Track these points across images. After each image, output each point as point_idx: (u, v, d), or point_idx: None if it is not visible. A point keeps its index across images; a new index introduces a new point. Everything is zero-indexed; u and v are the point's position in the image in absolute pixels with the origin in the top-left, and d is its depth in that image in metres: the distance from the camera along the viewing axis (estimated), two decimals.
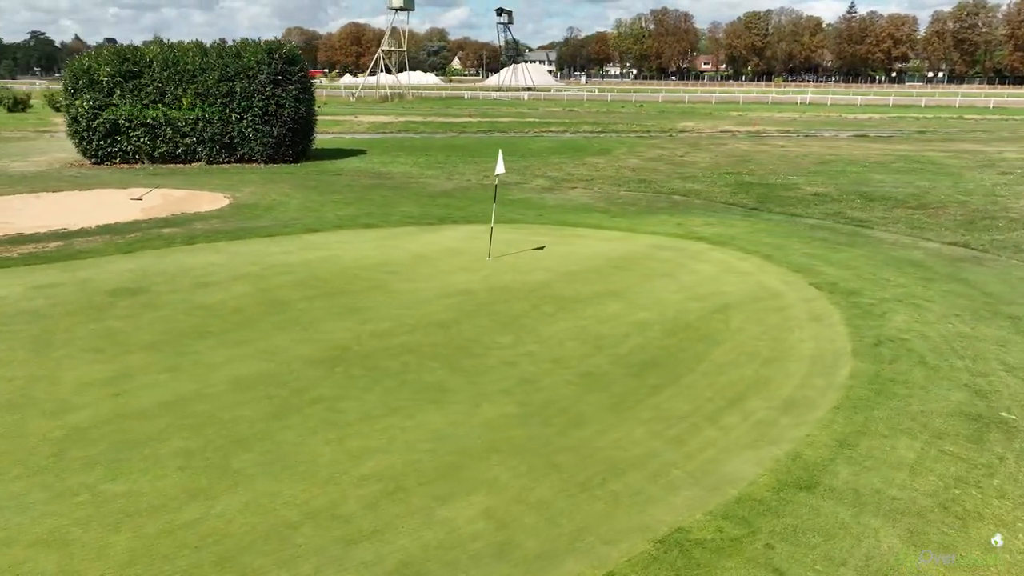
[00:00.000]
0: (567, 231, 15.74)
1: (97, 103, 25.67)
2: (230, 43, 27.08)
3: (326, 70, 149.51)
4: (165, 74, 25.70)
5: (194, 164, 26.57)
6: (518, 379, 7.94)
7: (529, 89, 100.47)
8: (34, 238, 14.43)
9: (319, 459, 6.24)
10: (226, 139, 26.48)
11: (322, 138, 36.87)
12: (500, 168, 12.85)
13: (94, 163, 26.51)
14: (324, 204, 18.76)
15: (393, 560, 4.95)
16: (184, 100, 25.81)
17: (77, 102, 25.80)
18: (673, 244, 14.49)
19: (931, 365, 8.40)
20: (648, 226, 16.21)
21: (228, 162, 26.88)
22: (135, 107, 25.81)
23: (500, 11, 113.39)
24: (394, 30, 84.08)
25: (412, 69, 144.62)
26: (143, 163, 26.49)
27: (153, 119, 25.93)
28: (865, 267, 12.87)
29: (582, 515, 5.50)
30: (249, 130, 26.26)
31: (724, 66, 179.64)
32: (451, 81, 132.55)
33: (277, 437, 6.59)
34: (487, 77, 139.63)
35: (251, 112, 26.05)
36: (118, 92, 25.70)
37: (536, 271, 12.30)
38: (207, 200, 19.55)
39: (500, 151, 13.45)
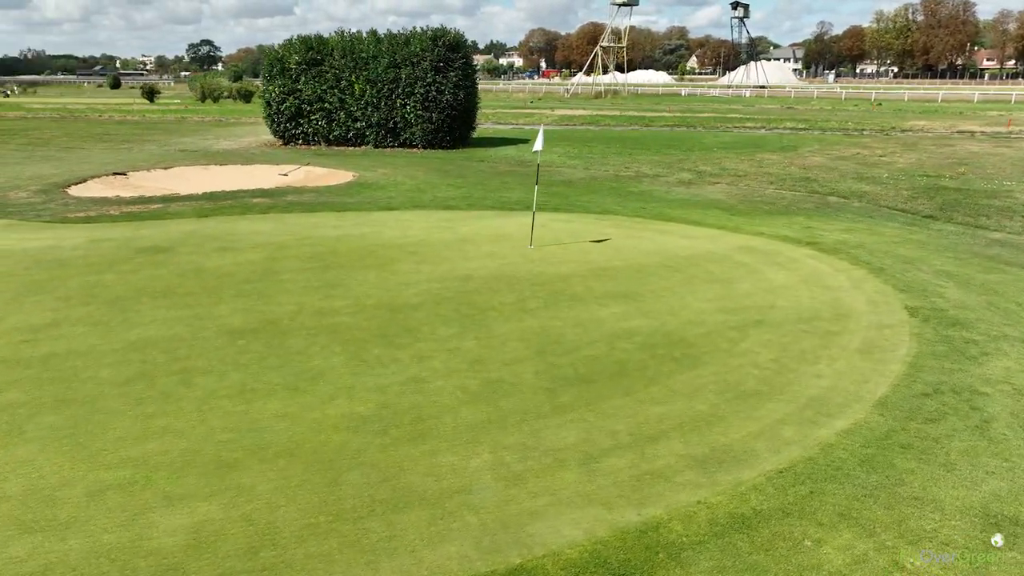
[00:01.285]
0: (652, 225, 13.82)
1: (286, 88, 28.00)
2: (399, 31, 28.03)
3: (562, 69, 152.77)
4: (343, 61, 27.27)
5: (362, 147, 27.98)
6: (410, 377, 6.77)
7: (761, 87, 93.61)
8: (150, 200, 15.86)
9: (108, 432, 5.68)
10: (391, 124, 27.51)
11: (497, 128, 37.26)
12: (538, 145, 11.49)
13: (282, 144, 29.00)
14: (438, 186, 18.52)
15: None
16: (356, 86, 27.22)
17: (271, 88, 28.37)
18: (768, 247, 12.03)
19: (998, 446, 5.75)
20: (762, 226, 13.71)
21: (392, 146, 27.93)
22: (315, 92, 27.72)
23: (736, 4, 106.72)
24: (616, 27, 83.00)
25: (644, 67, 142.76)
26: (320, 144, 28.44)
27: (330, 104, 27.68)
28: (1009, 293, 9.58)
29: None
30: (411, 115, 27.00)
31: (1013, 62, 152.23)
32: (682, 79, 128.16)
33: (98, 404, 6.16)
34: (723, 75, 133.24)
35: (413, 98, 26.76)
36: (303, 78, 27.78)
37: (566, 264, 10.80)
38: (338, 177, 20.30)
39: (541, 128, 12.06)
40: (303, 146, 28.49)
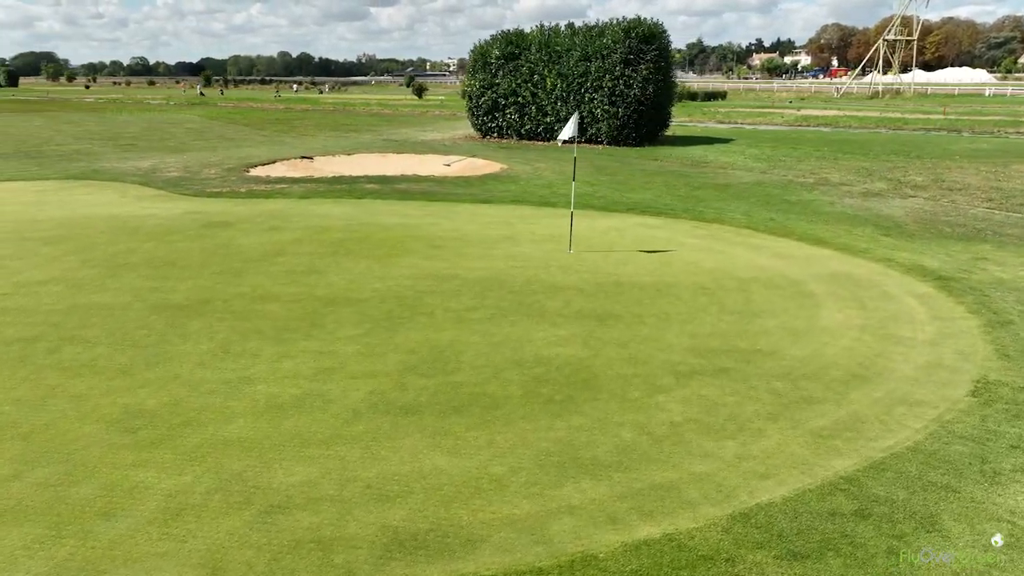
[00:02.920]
0: (754, 239, 11.52)
1: (485, 83, 28.68)
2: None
3: (853, 67, 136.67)
4: (538, 55, 27.14)
5: (550, 142, 27.65)
6: (240, 377, 6.24)
7: None
8: (294, 180, 17.12)
9: None
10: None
11: (712, 127, 34.52)
12: (565, 133, 10.08)
13: (480, 137, 29.82)
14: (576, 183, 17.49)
15: None
16: (548, 80, 26.93)
17: (472, 82, 29.29)
18: (870, 277, 9.34)
19: None
20: (908, 251, 10.76)
21: (578, 142, 27.15)
22: (511, 86, 27.99)
23: None
24: (905, 18, 72.13)
25: (959, 64, 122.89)
26: (512, 138, 28.70)
27: (523, 98, 27.77)
28: None
29: None
30: (598, 110, 26.03)
31: None
32: (1005, 78, 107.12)
33: None
34: None
35: (600, 92, 25.75)
36: (501, 73, 28.21)
37: (579, 273, 9.38)
38: (488, 169, 20.27)
39: (576, 114, 10.55)
40: (496, 139, 28.96)
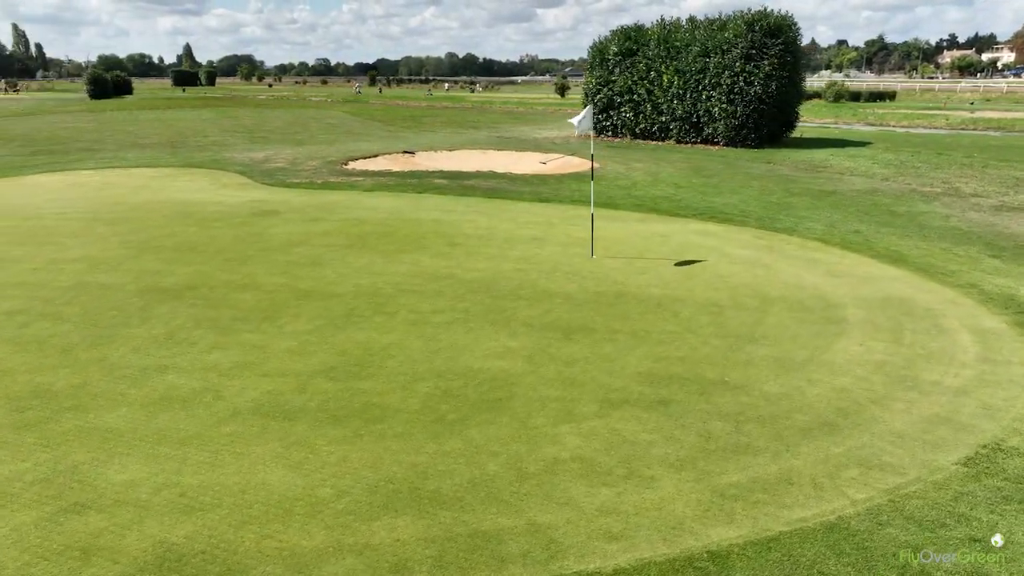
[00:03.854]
0: (804, 251, 10.11)
1: (602, 79, 27.85)
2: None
3: None
4: (656, 51, 25.92)
5: (665, 142, 26.37)
6: (233, 367, 6.20)
7: None
8: (378, 174, 17.41)
9: None
10: (694, 118, 25.31)
11: (855, 130, 31.39)
12: (579, 125, 9.24)
13: (595, 135, 29.00)
14: (662, 184, 16.47)
15: None
16: (664, 77, 25.66)
17: (589, 79, 28.56)
18: (937, 306, 7.81)
19: None
20: (1000, 278, 9.00)
21: (693, 142, 25.70)
22: (626, 83, 26.98)
23: None
24: None
25: None
26: (626, 137, 27.69)
27: (639, 95, 26.67)
28: None
29: None
30: (715, 109, 24.44)
31: None
32: None
33: None
34: None
35: (718, 90, 24.15)
36: (618, 69, 27.26)
37: (592, 280, 8.60)
38: (579, 168, 19.58)
39: (590, 106, 9.62)
40: (610, 138, 28.05)
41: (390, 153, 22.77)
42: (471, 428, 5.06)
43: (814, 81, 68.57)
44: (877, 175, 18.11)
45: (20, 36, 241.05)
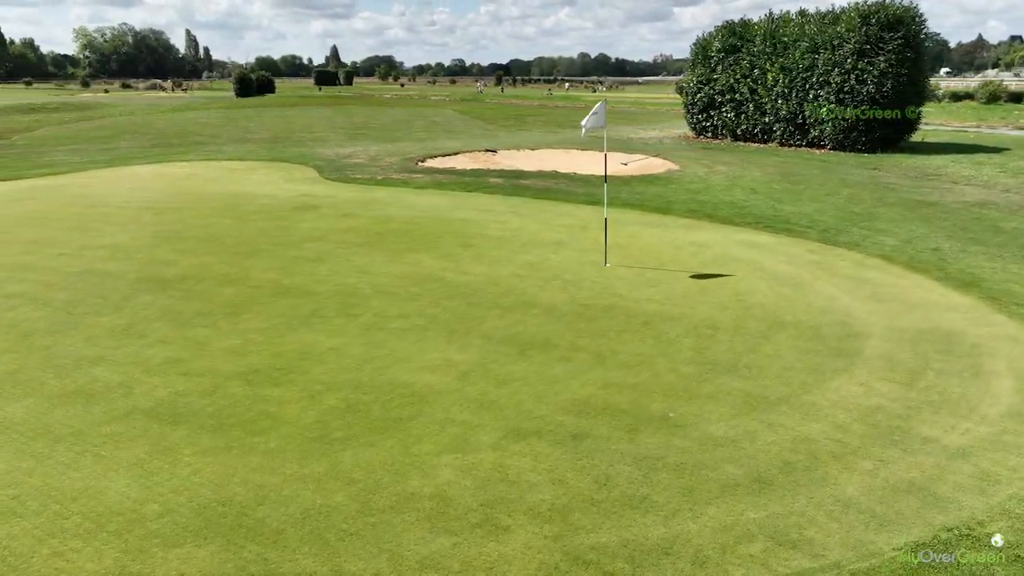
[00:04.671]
0: (859, 269, 8.84)
1: (703, 77, 26.44)
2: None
3: None
4: (762, 47, 24.23)
5: (767, 144, 24.63)
6: (161, 363, 6.19)
7: None
8: (449, 172, 17.29)
9: None
10: (799, 119, 23.43)
11: (993, 133, 27.95)
12: (589, 122, 8.43)
13: (694, 136, 27.64)
14: (738, 190, 15.28)
15: None
16: (769, 75, 23.94)
17: (691, 76, 27.20)
18: (996, 338, 6.55)
19: None
20: None
21: (798, 145, 23.80)
22: (728, 81, 25.44)
23: None
24: None
25: None
26: (726, 138, 26.14)
27: (741, 94, 25.08)
28: None
29: None
30: (823, 109, 22.49)
31: None
32: None
33: None
34: None
35: (826, 89, 22.20)
36: (720, 67, 25.77)
37: (589, 291, 7.91)
38: (657, 169, 18.60)
39: (603, 100, 8.72)
40: (709, 139, 26.56)
41: (472, 151, 22.62)
42: (348, 450, 4.60)
43: (971, 81, 62.23)
44: (998, 185, 15.90)
45: (191, 40, 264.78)
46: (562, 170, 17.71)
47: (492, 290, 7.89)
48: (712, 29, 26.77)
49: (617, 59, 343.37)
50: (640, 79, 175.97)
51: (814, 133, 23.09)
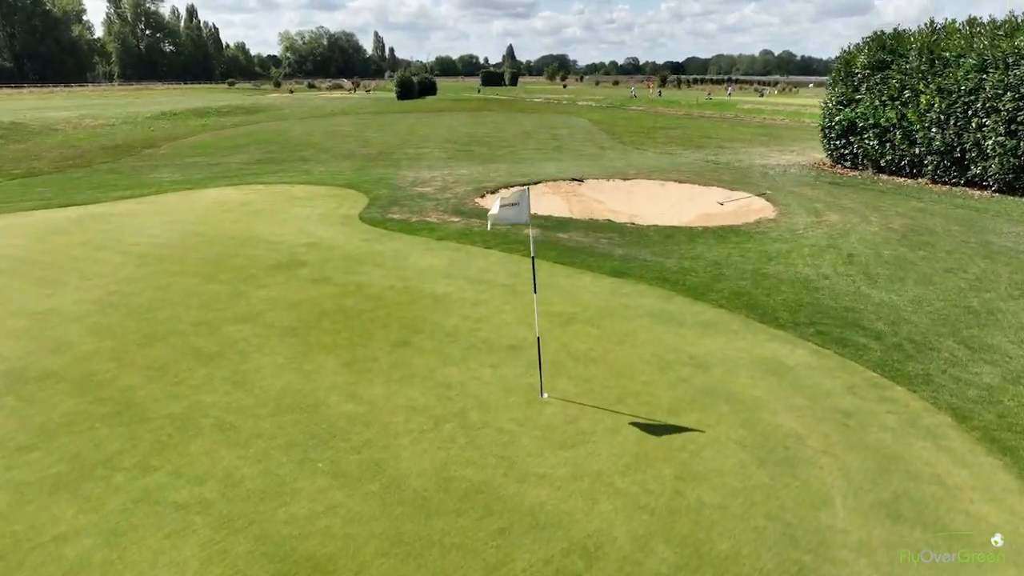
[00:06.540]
0: (907, 437, 6.04)
1: (844, 97, 22.67)
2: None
3: None
4: (916, 63, 20.14)
5: (917, 180, 20.52)
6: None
7: None
8: (472, 213, 15.61)
9: None
10: (957, 152, 19.19)
11: None
12: (500, 211, 6.23)
13: (831, 165, 23.87)
14: (828, 253, 12.27)
15: None
16: (922, 97, 19.83)
17: (830, 96, 23.46)
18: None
19: None
20: None
21: (954, 184, 19.56)
22: (872, 104, 21.51)
23: None
24: None
25: None
26: (867, 170, 22.21)
27: (886, 120, 21.09)
28: None
29: None
30: (989, 142, 18.21)
31: None
32: None
33: None
34: None
35: (994, 116, 17.91)
36: (864, 86, 21.89)
37: (479, 454, 5.92)
38: (749, 217, 15.76)
39: (527, 188, 6.39)
40: (847, 170, 22.71)
41: (559, 179, 20.69)
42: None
43: None
44: None
45: (378, 42, 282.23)
46: (619, 218, 15.32)
47: (354, 438, 6.09)
48: (859, 42, 22.74)
49: (803, 56, 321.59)
50: (825, 78, 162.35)
51: (975, 170, 18.78)
